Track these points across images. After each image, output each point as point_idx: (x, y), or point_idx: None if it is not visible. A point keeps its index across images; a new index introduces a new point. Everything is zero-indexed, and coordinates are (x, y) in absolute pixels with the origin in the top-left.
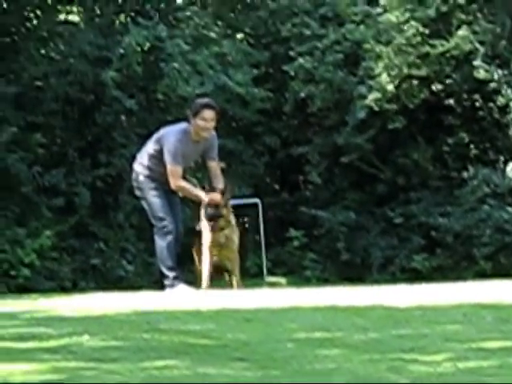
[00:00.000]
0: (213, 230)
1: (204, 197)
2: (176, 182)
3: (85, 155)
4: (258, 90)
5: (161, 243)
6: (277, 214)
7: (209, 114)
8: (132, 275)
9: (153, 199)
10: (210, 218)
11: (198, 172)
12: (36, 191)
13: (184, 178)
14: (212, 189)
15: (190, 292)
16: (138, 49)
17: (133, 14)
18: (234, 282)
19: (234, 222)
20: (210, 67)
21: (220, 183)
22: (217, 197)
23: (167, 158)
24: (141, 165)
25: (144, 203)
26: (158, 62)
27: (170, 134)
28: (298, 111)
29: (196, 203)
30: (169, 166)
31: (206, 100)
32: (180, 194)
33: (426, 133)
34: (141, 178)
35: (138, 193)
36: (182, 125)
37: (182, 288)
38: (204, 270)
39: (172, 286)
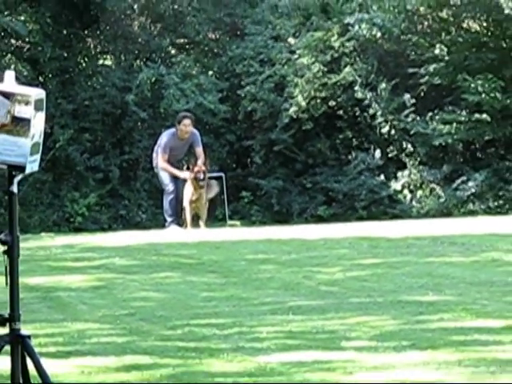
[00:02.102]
0: (195, 188)
1: (179, 174)
2: (162, 164)
3: (115, 147)
4: (222, 106)
5: (165, 199)
6: (234, 182)
7: (186, 121)
8: (145, 221)
9: (162, 173)
10: (198, 179)
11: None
12: (85, 169)
13: (171, 163)
14: (195, 163)
15: (179, 230)
16: (148, 81)
17: (144, 59)
18: (201, 223)
19: (205, 187)
20: (192, 92)
21: (200, 161)
22: (202, 167)
23: (159, 150)
24: (155, 153)
25: (158, 176)
26: (160, 89)
27: (163, 136)
28: (246, 119)
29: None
30: (159, 155)
31: (184, 113)
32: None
33: (326, 131)
34: (155, 161)
35: (155, 170)
36: (172, 129)
37: (175, 228)
38: (187, 216)
39: (169, 226)
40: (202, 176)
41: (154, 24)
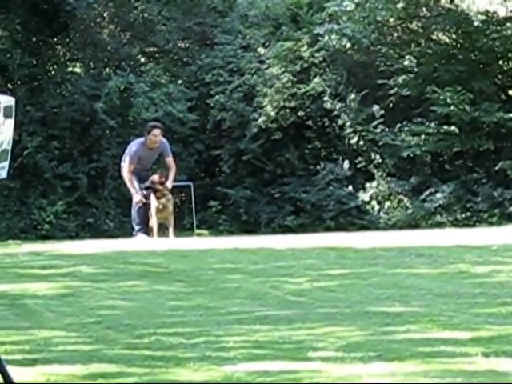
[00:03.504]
0: (157, 198)
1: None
2: (125, 174)
3: (83, 155)
4: (191, 115)
5: (133, 208)
6: (202, 191)
7: (156, 131)
8: (112, 229)
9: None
10: (147, 188)
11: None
12: (54, 177)
13: (139, 172)
14: (154, 173)
15: (147, 239)
16: (117, 89)
17: (114, 67)
18: (171, 234)
19: (170, 196)
20: (161, 101)
21: (171, 172)
22: (155, 177)
23: (126, 158)
24: (123, 162)
25: (126, 184)
26: (129, 98)
27: (132, 145)
28: (215, 128)
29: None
30: (126, 164)
31: (154, 123)
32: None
33: (294, 141)
34: (123, 170)
35: (123, 179)
36: (142, 139)
37: (142, 237)
38: (153, 225)
39: (137, 235)
40: (155, 190)
41: (123, 32)
